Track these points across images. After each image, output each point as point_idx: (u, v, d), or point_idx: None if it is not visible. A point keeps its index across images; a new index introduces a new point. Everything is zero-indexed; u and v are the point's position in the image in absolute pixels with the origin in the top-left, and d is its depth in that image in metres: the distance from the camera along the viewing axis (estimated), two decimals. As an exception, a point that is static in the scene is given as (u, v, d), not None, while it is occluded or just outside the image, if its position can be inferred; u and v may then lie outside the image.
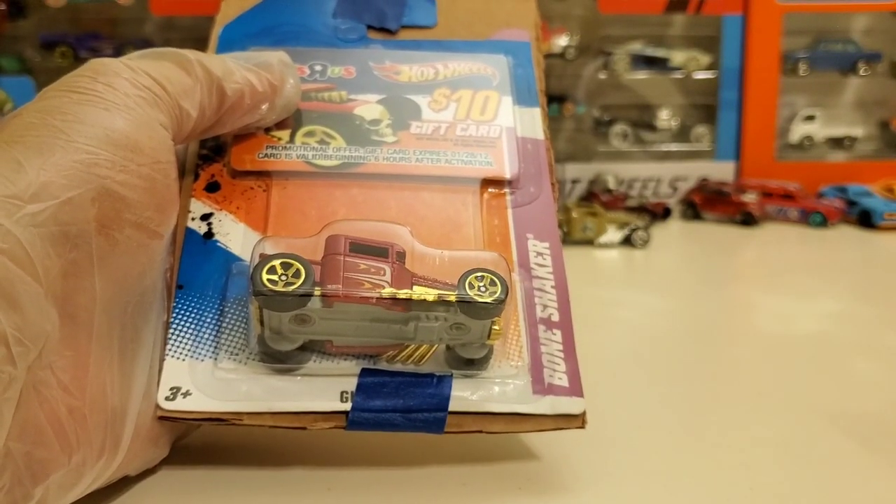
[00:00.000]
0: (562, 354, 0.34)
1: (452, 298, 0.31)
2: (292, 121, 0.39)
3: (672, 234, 0.93)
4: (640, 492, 0.33)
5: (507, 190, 0.39)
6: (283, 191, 0.37)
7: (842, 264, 0.81)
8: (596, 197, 0.98)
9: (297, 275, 0.31)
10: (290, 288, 0.30)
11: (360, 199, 0.37)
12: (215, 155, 0.38)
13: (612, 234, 0.83)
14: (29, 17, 0.99)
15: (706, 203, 0.98)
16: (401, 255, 0.33)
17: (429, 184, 0.38)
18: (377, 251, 0.33)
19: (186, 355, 0.33)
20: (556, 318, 0.35)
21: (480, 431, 0.33)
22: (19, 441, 0.25)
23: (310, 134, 0.39)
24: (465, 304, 0.31)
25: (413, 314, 0.32)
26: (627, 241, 0.83)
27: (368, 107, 0.41)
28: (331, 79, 0.42)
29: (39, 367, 0.26)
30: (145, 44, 1.01)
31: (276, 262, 0.31)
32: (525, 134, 0.41)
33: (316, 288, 0.31)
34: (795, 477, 0.34)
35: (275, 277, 0.31)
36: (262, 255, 0.32)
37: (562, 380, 0.34)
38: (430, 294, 0.31)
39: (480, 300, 0.31)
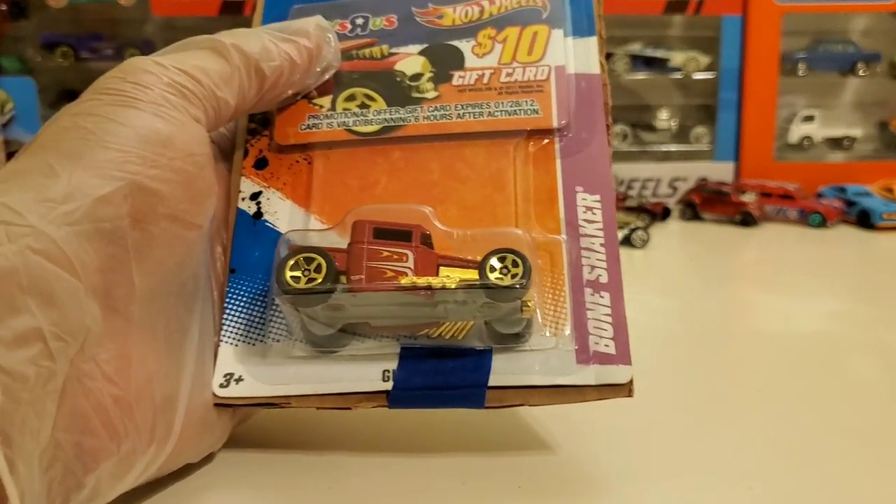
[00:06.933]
0: (609, 319, 0.32)
1: (474, 281, 0.31)
2: (333, 85, 0.38)
3: (671, 234, 0.93)
4: (638, 490, 0.33)
5: (555, 138, 0.36)
6: (326, 161, 0.37)
7: (841, 264, 0.82)
8: (595, 197, 0.98)
9: (318, 269, 0.31)
10: (312, 284, 0.31)
11: (401, 165, 0.36)
12: (263, 128, 0.38)
13: (612, 234, 0.83)
14: (30, 17, 0.99)
15: (705, 203, 0.98)
16: (426, 237, 0.33)
17: (471, 140, 0.37)
18: (401, 235, 0.32)
19: (239, 340, 0.33)
20: (604, 279, 0.33)
21: (522, 405, 0.32)
22: (67, 432, 0.26)
23: (350, 98, 0.38)
24: (488, 290, 0.31)
25: (439, 298, 0.31)
26: (627, 241, 0.83)
27: (410, 60, 0.39)
28: (372, 32, 0.41)
29: (83, 360, 0.27)
30: (146, 44, 1.01)
31: (299, 258, 0.31)
32: (579, 69, 0.38)
33: (336, 284, 0.31)
34: (795, 476, 0.34)
35: (297, 273, 0.31)
36: (292, 247, 0.32)
37: (608, 346, 0.32)
38: (450, 282, 0.31)
39: (502, 284, 0.31)
